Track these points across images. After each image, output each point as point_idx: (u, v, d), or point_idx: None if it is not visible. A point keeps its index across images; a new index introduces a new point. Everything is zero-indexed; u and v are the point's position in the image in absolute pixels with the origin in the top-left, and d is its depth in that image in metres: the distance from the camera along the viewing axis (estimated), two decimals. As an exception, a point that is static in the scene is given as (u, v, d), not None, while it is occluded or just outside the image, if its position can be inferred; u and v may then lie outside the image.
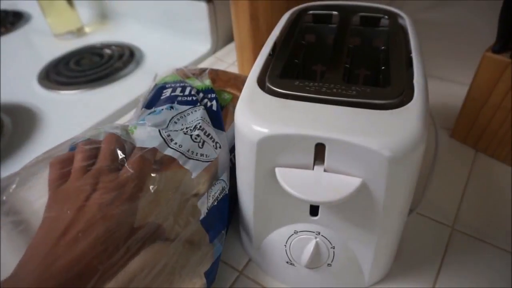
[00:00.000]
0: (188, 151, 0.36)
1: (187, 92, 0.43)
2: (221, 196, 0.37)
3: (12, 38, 1.04)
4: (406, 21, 0.44)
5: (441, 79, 0.70)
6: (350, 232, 0.34)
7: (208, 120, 0.40)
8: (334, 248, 0.35)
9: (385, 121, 0.29)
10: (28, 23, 1.11)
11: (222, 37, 0.86)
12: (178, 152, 0.35)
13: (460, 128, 0.56)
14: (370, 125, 0.29)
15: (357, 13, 0.45)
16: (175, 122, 0.38)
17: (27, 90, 0.78)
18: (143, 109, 0.42)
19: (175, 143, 0.36)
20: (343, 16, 0.45)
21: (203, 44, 0.86)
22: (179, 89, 0.44)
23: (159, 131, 0.36)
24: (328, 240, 0.35)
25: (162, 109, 0.39)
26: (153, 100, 0.44)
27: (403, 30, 0.43)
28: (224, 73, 0.53)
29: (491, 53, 0.47)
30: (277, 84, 0.33)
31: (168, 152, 0.35)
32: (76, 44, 0.95)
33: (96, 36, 1.00)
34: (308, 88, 0.32)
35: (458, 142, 0.57)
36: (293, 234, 0.36)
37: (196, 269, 0.36)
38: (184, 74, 0.50)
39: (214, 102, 0.42)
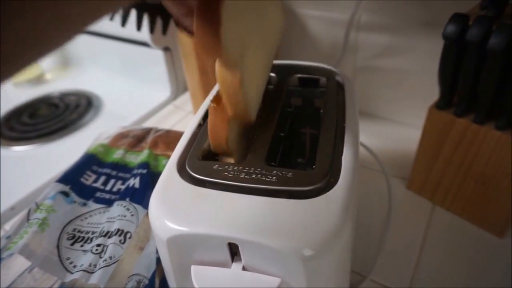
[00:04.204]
0: (90, 266, 0.34)
1: (108, 187, 0.42)
2: None
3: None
4: (344, 81, 0.43)
5: (397, 123, 0.70)
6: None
7: (119, 213, 0.39)
8: None
9: (301, 214, 0.27)
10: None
11: (182, 84, 0.85)
12: (79, 272, 0.34)
13: (416, 180, 0.54)
14: (285, 221, 0.26)
15: (295, 74, 0.44)
16: (82, 220, 0.36)
17: (-24, 148, 0.75)
18: (56, 183, 0.41)
19: (74, 266, 0.35)
20: (280, 78, 0.43)
21: (163, 92, 0.84)
22: (103, 178, 0.42)
23: (60, 258, 0.34)
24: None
25: (74, 202, 0.38)
26: (73, 172, 0.42)
27: (340, 92, 0.42)
28: (167, 135, 0.51)
29: (436, 109, 0.46)
30: (195, 168, 0.31)
31: (70, 277, 0.34)
32: (34, 93, 0.92)
33: (56, 83, 0.98)
34: (226, 173, 0.30)
35: (415, 194, 0.55)
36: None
37: None
38: (123, 143, 0.48)
39: (137, 180, 0.40)
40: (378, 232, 0.50)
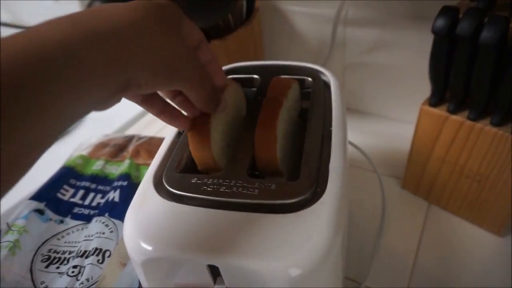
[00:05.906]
0: None
1: (87, 202, 0.40)
2: None
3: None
4: (331, 81, 0.40)
5: (390, 120, 0.68)
6: None
7: (97, 230, 0.36)
8: None
9: (286, 230, 0.25)
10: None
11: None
12: None
13: (410, 179, 0.52)
14: (268, 238, 0.24)
15: (278, 76, 0.41)
16: (58, 239, 0.34)
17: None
18: (29, 200, 0.39)
19: None
20: (263, 81, 0.41)
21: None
22: (81, 192, 0.40)
23: (33, 282, 0.32)
24: None
25: (50, 219, 0.35)
26: (49, 188, 0.40)
27: (327, 92, 0.40)
28: (150, 143, 0.49)
29: (428, 107, 0.44)
30: (173, 183, 0.29)
31: None
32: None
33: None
34: (205, 187, 0.28)
35: (410, 194, 0.53)
36: None
37: None
38: (103, 153, 0.46)
39: (117, 193, 0.38)
40: (373, 235, 0.48)
